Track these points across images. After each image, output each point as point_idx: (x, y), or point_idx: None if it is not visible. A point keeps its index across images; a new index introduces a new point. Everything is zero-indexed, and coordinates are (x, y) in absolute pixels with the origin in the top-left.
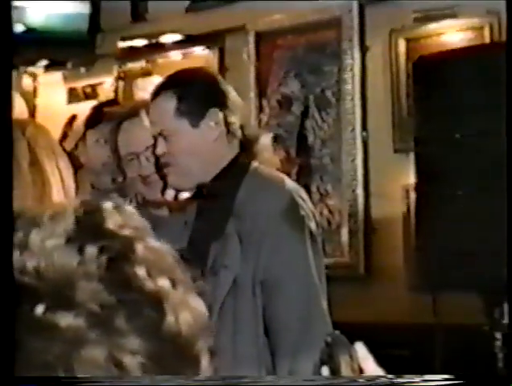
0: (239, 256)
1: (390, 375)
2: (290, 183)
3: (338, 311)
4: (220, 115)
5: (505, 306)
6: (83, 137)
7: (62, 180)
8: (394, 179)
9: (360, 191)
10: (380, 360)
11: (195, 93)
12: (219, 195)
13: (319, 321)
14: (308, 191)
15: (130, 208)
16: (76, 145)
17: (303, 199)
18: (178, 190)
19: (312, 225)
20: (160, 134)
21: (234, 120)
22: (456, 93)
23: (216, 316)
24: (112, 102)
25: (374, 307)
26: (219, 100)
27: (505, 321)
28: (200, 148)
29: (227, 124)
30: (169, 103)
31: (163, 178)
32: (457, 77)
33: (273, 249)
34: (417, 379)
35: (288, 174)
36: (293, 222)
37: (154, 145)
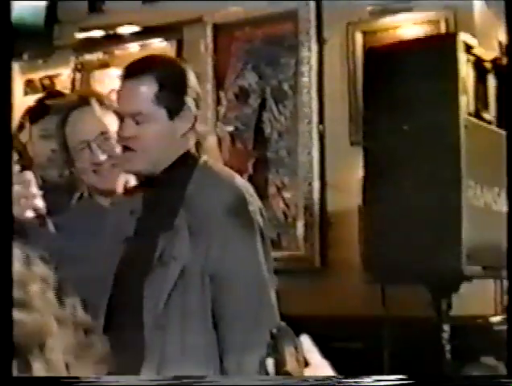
0: (188, 249)
1: (341, 376)
2: (239, 180)
3: (293, 304)
4: (194, 110)
5: (453, 298)
6: (29, 132)
7: None
8: (351, 172)
9: (316, 184)
10: (334, 353)
11: (175, 84)
12: (168, 186)
13: (267, 316)
14: (265, 184)
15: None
16: None
17: (252, 196)
18: (135, 176)
19: (260, 220)
20: (131, 117)
21: (198, 114)
22: (406, 85)
23: (162, 308)
24: (55, 94)
25: (330, 300)
26: (192, 94)
27: (452, 313)
28: (169, 139)
29: (195, 118)
30: (149, 88)
31: (118, 163)
32: (407, 69)
33: (223, 244)
34: (368, 380)
35: (245, 167)
36: (243, 217)
37: (120, 126)
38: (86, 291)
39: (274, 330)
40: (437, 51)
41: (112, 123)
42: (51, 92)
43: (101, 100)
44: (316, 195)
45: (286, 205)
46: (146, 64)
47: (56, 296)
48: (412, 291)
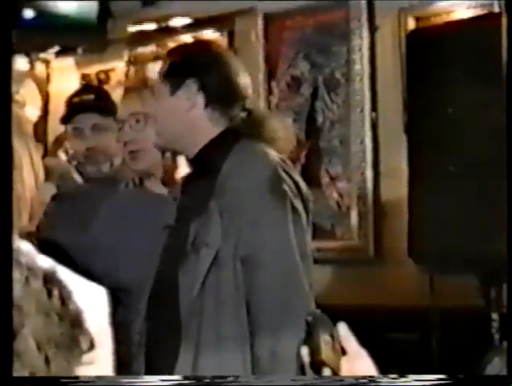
0: (220, 233)
1: (378, 376)
2: (274, 156)
3: (347, 294)
4: (194, 87)
5: (504, 287)
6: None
7: (32, 163)
8: (404, 160)
9: (369, 173)
10: (387, 342)
11: (206, 64)
12: (207, 169)
13: (299, 300)
14: (318, 174)
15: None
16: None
17: (288, 173)
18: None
19: (296, 201)
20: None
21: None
22: (450, 68)
23: (197, 293)
24: (83, 90)
25: (383, 290)
26: (227, 70)
27: (503, 301)
28: (201, 116)
29: (210, 97)
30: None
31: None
32: (451, 51)
33: (252, 224)
34: (407, 379)
35: (297, 157)
36: (274, 196)
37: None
38: (130, 280)
39: (309, 318)
40: (482, 32)
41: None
42: (78, 89)
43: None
44: (370, 185)
45: (340, 195)
46: (173, 52)
47: (44, 286)
48: (462, 280)
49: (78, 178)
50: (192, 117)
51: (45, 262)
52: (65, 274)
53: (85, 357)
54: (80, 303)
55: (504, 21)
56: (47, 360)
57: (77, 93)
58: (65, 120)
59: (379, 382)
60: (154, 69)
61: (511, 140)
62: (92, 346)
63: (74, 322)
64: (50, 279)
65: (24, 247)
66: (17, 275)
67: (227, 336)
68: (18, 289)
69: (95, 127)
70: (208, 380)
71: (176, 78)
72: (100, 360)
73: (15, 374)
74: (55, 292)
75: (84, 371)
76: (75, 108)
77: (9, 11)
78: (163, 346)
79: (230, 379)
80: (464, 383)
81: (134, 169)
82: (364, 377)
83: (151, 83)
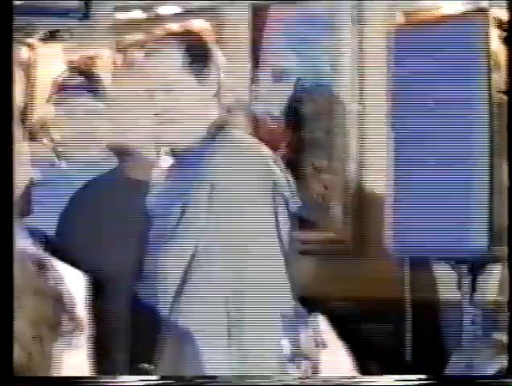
0: (204, 221)
1: (360, 376)
2: (263, 148)
3: (329, 286)
4: (219, 75)
5: (479, 279)
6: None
7: None
8: (388, 153)
9: (353, 166)
10: (366, 333)
11: (198, 51)
12: (194, 159)
13: (281, 292)
14: (301, 165)
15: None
16: None
17: (277, 165)
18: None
19: (285, 193)
20: (160, 88)
21: (224, 82)
22: (435, 61)
23: (181, 282)
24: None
25: (366, 282)
26: (215, 60)
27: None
28: (200, 106)
29: (219, 85)
30: (174, 57)
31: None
32: (437, 44)
33: (241, 215)
34: (388, 379)
35: (281, 148)
36: (262, 188)
37: (152, 102)
38: (111, 267)
39: (290, 311)
40: (468, 26)
41: None
42: (71, 71)
43: None
44: (353, 177)
45: (324, 187)
46: (167, 38)
47: (37, 268)
48: (439, 273)
49: (62, 164)
50: (210, 105)
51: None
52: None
53: (74, 341)
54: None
55: (491, 16)
56: (41, 341)
57: (70, 75)
58: (53, 100)
59: (360, 382)
60: (140, 57)
61: (511, 140)
62: (82, 329)
63: (67, 305)
64: (44, 263)
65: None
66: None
67: (211, 326)
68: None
69: (86, 110)
70: (188, 380)
71: (200, 66)
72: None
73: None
74: (50, 274)
75: (71, 355)
76: (65, 88)
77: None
78: (144, 335)
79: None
80: (444, 384)
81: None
82: (345, 377)
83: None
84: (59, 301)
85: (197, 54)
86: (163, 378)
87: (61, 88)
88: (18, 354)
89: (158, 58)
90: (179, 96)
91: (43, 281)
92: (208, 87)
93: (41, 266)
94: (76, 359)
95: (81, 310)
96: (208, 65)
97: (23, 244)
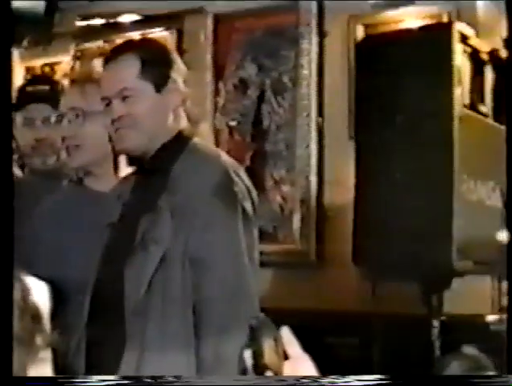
0: (170, 232)
1: (319, 376)
2: (226, 159)
3: (290, 297)
4: (180, 84)
5: (445, 294)
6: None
7: None
8: (349, 167)
9: (313, 178)
10: (329, 347)
11: (157, 59)
12: (155, 169)
13: (245, 303)
14: (262, 177)
15: None
16: None
17: (240, 177)
18: (129, 156)
19: (247, 204)
20: (118, 96)
21: (187, 92)
22: (399, 76)
23: (144, 292)
24: (39, 80)
25: (324, 294)
26: (176, 69)
27: (445, 309)
28: (159, 114)
29: (183, 95)
30: (132, 64)
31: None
32: (400, 59)
33: (203, 225)
34: (348, 379)
35: (243, 159)
36: (225, 199)
37: (109, 110)
38: (71, 280)
39: (253, 321)
40: (432, 40)
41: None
42: (33, 78)
43: None
44: (314, 189)
45: (283, 198)
46: (125, 46)
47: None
48: (404, 287)
49: (18, 172)
50: (176, 119)
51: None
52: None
53: (42, 354)
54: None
55: (455, 30)
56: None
57: (31, 82)
58: (16, 107)
59: (321, 382)
60: (99, 65)
61: (511, 142)
62: (48, 343)
63: (34, 318)
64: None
65: None
66: None
67: (172, 336)
68: None
69: (46, 119)
70: (148, 380)
71: (159, 74)
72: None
73: None
74: (17, 286)
75: (38, 368)
76: (28, 97)
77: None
78: (107, 344)
79: (171, 379)
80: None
81: (70, 165)
82: (306, 377)
83: (96, 78)
84: (27, 314)
85: (156, 62)
86: (124, 378)
87: (23, 96)
88: None
89: (114, 65)
90: (135, 103)
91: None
92: (167, 95)
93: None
94: (39, 372)
95: (47, 322)
96: (168, 74)
97: None
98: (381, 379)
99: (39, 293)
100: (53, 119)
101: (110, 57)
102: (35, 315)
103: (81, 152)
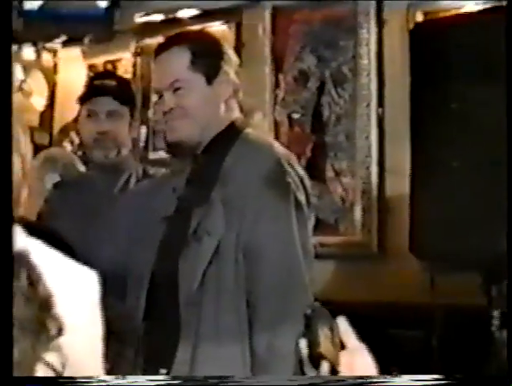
0: (223, 223)
1: (375, 375)
2: (279, 149)
3: (349, 289)
4: (232, 75)
5: (504, 284)
6: (78, 112)
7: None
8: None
9: (374, 169)
10: (389, 339)
11: (208, 51)
12: (208, 160)
13: (299, 293)
14: (323, 168)
15: None
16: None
17: (293, 167)
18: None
19: (300, 195)
20: (169, 88)
21: (238, 83)
22: (454, 62)
23: (198, 284)
24: (106, 75)
25: (386, 286)
26: (228, 61)
27: (504, 299)
28: (211, 106)
29: (235, 86)
30: (183, 56)
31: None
32: (455, 44)
33: (255, 216)
34: (403, 379)
35: (303, 151)
36: (277, 189)
37: (161, 102)
38: (129, 273)
39: (308, 311)
40: (486, 24)
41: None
42: (101, 72)
43: None
44: (374, 180)
45: (344, 190)
46: (176, 38)
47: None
48: (464, 278)
49: (82, 168)
50: (228, 110)
51: (17, 244)
52: (52, 257)
53: (53, 343)
54: (67, 287)
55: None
56: (17, 341)
57: (100, 76)
58: (83, 100)
59: (373, 380)
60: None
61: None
62: (61, 331)
63: (43, 306)
64: (18, 261)
65: None
66: None
67: (226, 328)
68: None
69: (110, 113)
70: (198, 379)
71: (210, 65)
72: (89, 340)
73: None
74: (23, 274)
75: (53, 357)
76: (95, 89)
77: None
78: (161, 337)
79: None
80: (459, 383)
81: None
82: (360, 377)
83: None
84: (35, 302)
85: (206, 53)
86: (174, 378)
87: (89, 89)
88: None
89: (165, 58)
90: (187, 96)
91: (17, 281)
92: (218, 87)
93: (16, 264)
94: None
95: (87, 310)
96: (219, 65)
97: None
98: (435, 380)
99: (88, 282)
100: (128, 116)
101: (161, 50)
102: (44, 303)
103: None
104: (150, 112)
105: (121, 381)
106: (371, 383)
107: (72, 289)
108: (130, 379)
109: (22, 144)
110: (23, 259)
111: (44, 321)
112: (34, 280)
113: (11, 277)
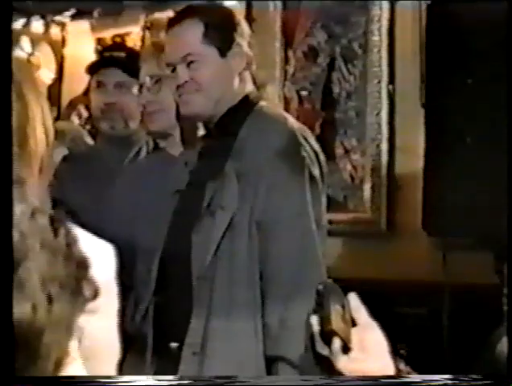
0: (236, 197)
1: (388, 375)
2: (293, 123)
3: (359, 267)
4: (245, 47)
5: None
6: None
7: (44, 121)
8: (420, 134)
9: (384, 146)
10: (397, 316)
11: (221, 23)
12: (222, 134)
13: (312, 268)
14: (332, 145)
15: None
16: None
17: (307, 141)
18: (195, 120)
19: (315, 169)
20: (183, 61)
21: (252, 56)
22: (470, 40)
23: (211, 258)
24: (115, 47)
25: (395, 264)
26: (241, 33)
27: None
28: (225, 78)
29: (248, 58)
30: (195, 29)
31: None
32: (470, 20)
33: (269, 189)
34: (416, 379)
35: (313, 127)
36: (291, 162)
37: (174, 76)
38: (141, 244)
39: (320, 287)
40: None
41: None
42: (111, 45)
43: None
44: (384, 158)
45: (354, 167)
46: (188, 10)
47: (50, 224)
48: (476, 255)
49: (90, 142)
50: (242, 83)
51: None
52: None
53: (89, 305)
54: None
55: None
56: (49, 298)
57: (110, 48)
58: (91, 71)
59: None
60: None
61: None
62: (96, 294)
63: (79, 266)
64: (57, 220)
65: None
66: (23, 208)
67: (239, 302)
68: (23, 223)
69: (118, 84)
70: (205, 380)
71: (223, 38)
72: (105, 314)
73: (16, 305)
74: (62, 232)
75: (86, 320)
76: (104, 61)
77: None
78: (174, 310)
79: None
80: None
81: (152, 130)
82: (376, 378)
83: None
84: (72, 262)
85: (219, 26)
86: (181, 378)
87: (99, 60)
88: (22, 306)
89: (178, 31)
90: (200, 69)
91: (56, 238)
92: (232, 59)
93: (55, 222)
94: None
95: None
96: (232, 37)
97: (38, 198)
98: (448, 379)
99: (104, 254)
100: (135, 90)
101: (173, 23)
102: (81, 264)
103: (161, 116)
104: None
105: (128, 381)
106: (385, 384)
107: (92, 262)
108: (138, 379)
109: (41, 114)
110: (60, 219)
111: (81, 282)
112: (70, 241)
113: (12, 277)
